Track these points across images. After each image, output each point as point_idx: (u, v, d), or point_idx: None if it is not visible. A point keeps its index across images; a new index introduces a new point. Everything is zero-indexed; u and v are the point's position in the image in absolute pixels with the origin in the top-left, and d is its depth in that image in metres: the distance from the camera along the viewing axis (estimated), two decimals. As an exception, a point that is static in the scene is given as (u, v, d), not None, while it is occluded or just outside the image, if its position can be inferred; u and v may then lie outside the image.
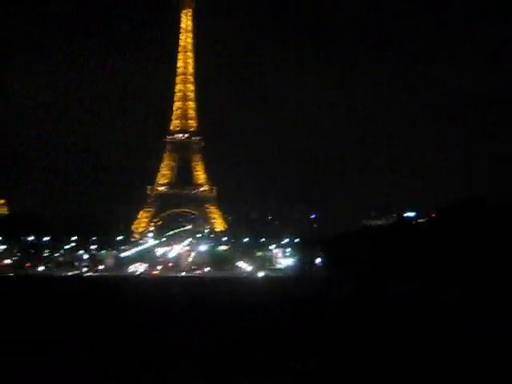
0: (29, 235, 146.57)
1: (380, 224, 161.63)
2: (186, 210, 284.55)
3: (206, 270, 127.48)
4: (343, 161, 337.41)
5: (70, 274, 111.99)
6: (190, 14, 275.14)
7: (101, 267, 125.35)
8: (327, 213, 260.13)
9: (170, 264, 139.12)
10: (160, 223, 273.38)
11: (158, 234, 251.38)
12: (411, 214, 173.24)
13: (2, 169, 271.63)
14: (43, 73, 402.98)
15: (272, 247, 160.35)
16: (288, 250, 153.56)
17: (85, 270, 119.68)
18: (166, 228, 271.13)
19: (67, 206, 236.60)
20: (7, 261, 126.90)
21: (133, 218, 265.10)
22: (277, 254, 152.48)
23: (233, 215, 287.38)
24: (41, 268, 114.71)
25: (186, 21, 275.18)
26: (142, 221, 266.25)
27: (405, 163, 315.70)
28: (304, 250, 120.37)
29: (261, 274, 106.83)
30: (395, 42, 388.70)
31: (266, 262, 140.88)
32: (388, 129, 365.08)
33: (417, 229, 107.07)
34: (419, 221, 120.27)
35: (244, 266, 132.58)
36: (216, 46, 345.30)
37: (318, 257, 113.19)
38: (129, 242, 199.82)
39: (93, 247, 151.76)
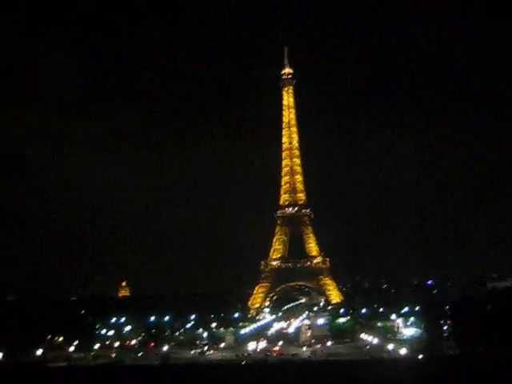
0: (150, 315, 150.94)
1: (508, 285, 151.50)
2: (301, 283, 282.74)
3: (329, 344, 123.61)
4: (455, 225, 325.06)
5: (192, 352, 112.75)
6: (290, 91, 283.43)
7: (222, 345, 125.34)
8: (442, 278, 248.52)
9: (291, 339, 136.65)
10: (275, 298, 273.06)
11: (274, 308, 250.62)
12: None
13: (119, 253, 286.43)
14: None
15: (393, 317, 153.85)
16: (410, 319, 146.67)
17: (206, 348, 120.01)
18: (281, 302, 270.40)
19: (184, 286, 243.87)
20: (134, 341, 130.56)
21: (249, 294, 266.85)
22: (398, 323, 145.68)
23: (347, 286, 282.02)
24: (165, 348, 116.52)
25: (288, 98, 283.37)
26: (258, 296, 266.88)
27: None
28: (430, 320, 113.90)
29: (390, 347, 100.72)
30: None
31: (388, 333, 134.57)
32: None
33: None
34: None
35: (366, 337, 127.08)
36: (318, 120, 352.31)
37: (444, 326, 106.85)
38: (246, 318, 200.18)
39: (212, 325, 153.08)
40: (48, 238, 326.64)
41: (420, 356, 72.65)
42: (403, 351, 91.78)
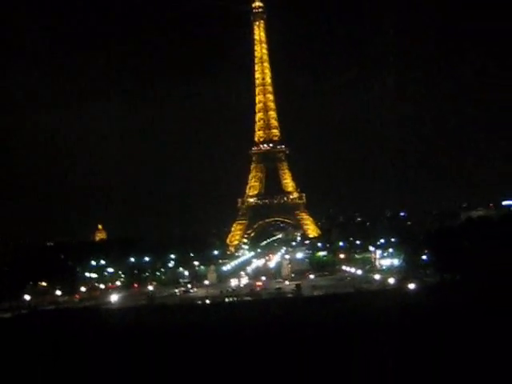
0: (129, 257, 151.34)
1: (483, 215, 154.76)
2: (278, 219, 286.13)
3: (312, 277, 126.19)
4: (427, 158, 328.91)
5: (176, 291, 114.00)
6: (262, 25, 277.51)
7: (206, 282, 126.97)
8: (415, 210, 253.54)
9: (272, 274, 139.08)
10: (253, 234, 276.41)
11: (253, 245, 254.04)
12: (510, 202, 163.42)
13: (93, 197, 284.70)
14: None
15: (371, 249, 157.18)
16: (387, 250, 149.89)
17: (189, 286, 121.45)
18: (259, 238, 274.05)
19: (160, 227, 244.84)
20: (117, 283, 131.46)
21: (226, 231, 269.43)
22: (376, 255, 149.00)
23: (322, 220, 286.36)
24: (150, 287, 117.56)
25: (259, 32, 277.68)
26: (236, 233, 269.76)
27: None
28: (407, 250, 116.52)
29: (377, 277, 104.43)
30: None
31: (367, 265, 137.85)
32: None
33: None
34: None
35: (347, 269, 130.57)
36: (291, 54, 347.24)
37: (422, 255, 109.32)
38: (225, 255, 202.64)
39: (195, 263, 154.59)
40: (21, 184, 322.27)
41: (411, 285, 74.54)
42: (391, 280, 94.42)
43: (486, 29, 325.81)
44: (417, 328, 21.66)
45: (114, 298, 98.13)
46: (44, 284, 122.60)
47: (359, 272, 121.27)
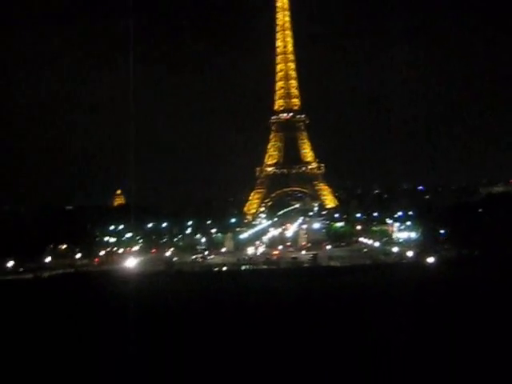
0: (148, 222, 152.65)
1: (503, 191, 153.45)
2: (295, 189, 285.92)
3: (328, 247, 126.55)
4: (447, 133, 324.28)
5: (194, 257, 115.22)
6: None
7: (223, 250, 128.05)
8: (434, 184, 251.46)
9: (289, 244, 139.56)
10: (270, 204, 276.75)
11: (270, 214, 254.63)
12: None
13: (112, 162, 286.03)
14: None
15: (388, 221, 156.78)
16: (404, 224, 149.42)
17: (206, 253, 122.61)
18: (276, 208, 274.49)
19: (179, 194, 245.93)
20: (135, 247, 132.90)
21: (244, 200, 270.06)
22: (393, 227, 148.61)
23: (341, 191, 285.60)
24: (168, 253, 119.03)
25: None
26: (254, 202, 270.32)
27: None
28: (425, 224, 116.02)
29: (395, 250, 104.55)
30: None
31: (384, 237, 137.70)
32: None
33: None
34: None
35: (365, 240, 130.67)
36: (314, 24, 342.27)
37: (440, 230, 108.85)
38: (242, 223, 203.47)
39: (212, 231, 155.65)
40: (40, 150, 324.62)
41: (430, 259, 74.16)
42: (409, 253, 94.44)
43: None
44: (435, 304, 21.51)
45: (133, 262, 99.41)
46: (64, 247, 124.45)
47: (376, 244, 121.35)
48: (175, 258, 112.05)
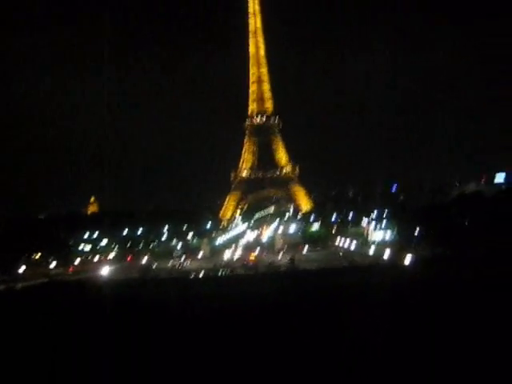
0: (123, 229, 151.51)
1: (475, 190, 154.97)
2: (270, 192, 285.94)
3: (304, 251, 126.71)
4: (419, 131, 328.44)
5: (171, 264, 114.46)
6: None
7: (199, 256, 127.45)
8: (407, 182, 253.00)
9: (265, 247, 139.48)
10: (246, 208, 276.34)
11: (246, 218, 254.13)
12: (501, 179, 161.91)
13: (86, 170, 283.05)
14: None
15: (363, 223, 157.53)
16: (380, 223, 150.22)
17: (183, 259, 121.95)
18: (252, 212, 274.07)
19: (153, 200, 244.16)
20: (111, 255, 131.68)
21: (219, 205, 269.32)
22: (369, 229, 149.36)
23: (316, 193, 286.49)
24: (144, 260, 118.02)
25: (254, 5, 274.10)
26: (229, 207, 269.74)
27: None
28: (399, 223, 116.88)
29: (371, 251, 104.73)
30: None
31: (360, 238, 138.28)
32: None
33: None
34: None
35: (341, 242, 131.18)
36: (285, 27, 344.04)
37: (415, 229, 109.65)
38: (218, 228, 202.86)
39: (188, 237, 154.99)
40: (11, 158, 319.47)
41: (406, 259, 74.60)
42: (385, 254, 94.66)
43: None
44: (412, 303, 21.66)
45: (107, 270, 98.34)
46: (38, 256, 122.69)
47: (352, 245, 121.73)
48: (154, 265, 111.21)
